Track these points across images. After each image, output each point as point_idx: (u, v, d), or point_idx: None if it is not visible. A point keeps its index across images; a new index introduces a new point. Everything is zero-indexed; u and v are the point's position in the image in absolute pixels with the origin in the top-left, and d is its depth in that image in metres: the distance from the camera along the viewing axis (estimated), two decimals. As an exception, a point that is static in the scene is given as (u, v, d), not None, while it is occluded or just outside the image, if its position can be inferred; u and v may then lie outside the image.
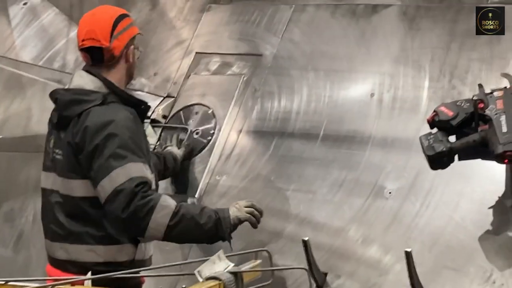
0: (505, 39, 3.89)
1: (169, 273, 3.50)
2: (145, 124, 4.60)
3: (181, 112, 4.74)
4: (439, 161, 3.41)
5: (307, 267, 3.48)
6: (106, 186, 3.40)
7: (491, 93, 3.46)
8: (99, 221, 3.51)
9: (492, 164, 3.44)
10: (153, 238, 3.53)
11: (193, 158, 4.51)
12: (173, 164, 4.30)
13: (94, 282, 2.82)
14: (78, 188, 3.52)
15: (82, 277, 2.84)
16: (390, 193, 3.85)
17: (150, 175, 3.49)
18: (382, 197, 3.86)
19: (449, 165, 3.43)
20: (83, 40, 3.64)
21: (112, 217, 3.43)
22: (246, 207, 3.66)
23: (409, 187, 3.81)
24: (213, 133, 4.55)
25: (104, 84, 3.61)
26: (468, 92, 3.81)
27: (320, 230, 3.90)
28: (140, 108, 3.70)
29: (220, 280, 2.87)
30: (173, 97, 4.86)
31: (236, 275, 3.00)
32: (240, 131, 4.49)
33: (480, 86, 3.54)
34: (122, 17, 3.66)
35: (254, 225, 3.68)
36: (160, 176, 4.12)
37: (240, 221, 3.62)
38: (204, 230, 3.50)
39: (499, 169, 3.56)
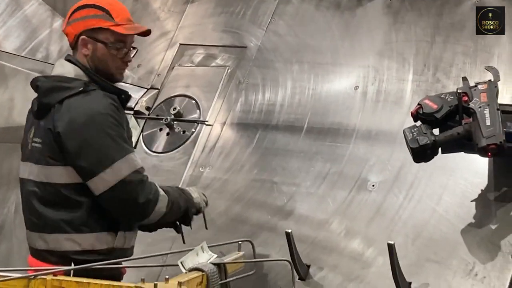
0: (489, 33, 3.90)
1: (151, 264, 3.49)
2: (128, 116, 4.58)
3: (165, 103, 4.72)
4: (422, 154, 3.41)
5: (290, 259, 3.48)
6: (108, 177, 3.41)
7: (475, 86, 3.47)
8: (78, 209, 3.49)
9: (475, 157, 3.45)
10: (148, 223, 3.58)
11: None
12: None
13: (74, 272, 2.80)
14: (59, 175, 3.50)
15: (64, 268, 2.83)
16: (373, 186, 3.85)
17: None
18: (365, 190, 3.86)
19: (432, 158, 3.44)
20: None
21: (125, 205, 3.46)
22: (200, 192, 3.78)
23: (392, 180, 3.82)
24: (197, 125, 4.54)
25: (84, 73, 3.59)
26: (452, 86, 3.82)
27: (303, 222, 3.90)
28: (121, 98, 3.68)
29: (203, 271, 2.86)
30: (157, 88, 4.85)
31: (219, 266, 2.99)
32: (224, 123, 4.49)
33: (464, 79, 3.55)
34: (86, 7, 3.63)
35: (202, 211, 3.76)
36: None
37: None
38: (180, 213, 3.62)
39: (482, 162, 3.58)
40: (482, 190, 3.59)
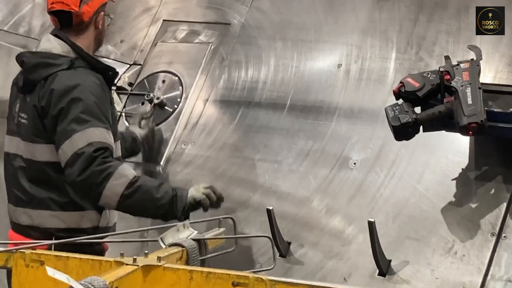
0: (472, 11, 3.89)
1: (132, 239, 3.49)
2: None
3: (148, 79, 4.71)
4: (404, 132, 3.41)
5: (270, 236, 3.48)
6: (67, 149, 3.37)
7: (458, 65, 3.47)
8: (63, 187, 3.49)
9: (457, 136, 3.46)
10: (107, 205, 3.49)
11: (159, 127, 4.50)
12: (131, 144, 4.17)
13: (56, 247, 2.80)
14: (42, 152, 3.50)
15: (45, 242, 2.82)
16: (355, 164, 3.86)
17: (111, 141, 3.46)
18: (347, 168, 3.87)
19: (413, 136, 3.44)
20: (52, 3, 3.59)
21: (69, 181, 3.40)
22: (204, 188, 3.60)
23: (374, 158, 3.83)
24: (180, 101, 4.53)
25: (72, 49, 3.58)
26: (435, 64, 3.82)
27: (284, 199, 3.91)
28: (108, 75, 3.67)
29: (183, 247, 2.86)
30: (140, 64, 4.83)
31: (200, 242, 2.99)
32: (207, 100, 4.48)
33: (447, 58, 3.55)
34: None
35: (206, 208, 3.57)
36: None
37: (195, 201, 3.53)
38: (158, 205, 3.45)
39: (464, 141, 3.59)
40: (463, 169, 3.60)
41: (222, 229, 3.40)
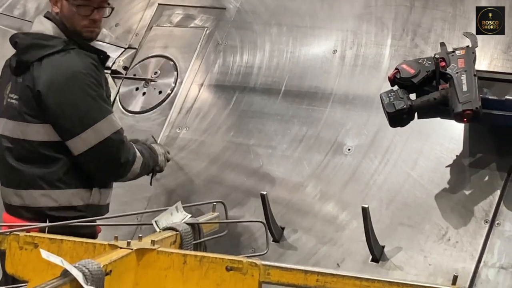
0: (468, -2, 3.90)
1: (126, 223, 3.50)
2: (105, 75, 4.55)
3: (142, 63, 4.70)
4: (399, 118, 3.41)
5: (264, 221, 3.49)
6: (90, 138, 3.44)
7: (453, 52, 3.46)
8: (54, 165, 3.49)
9: (451, 123, 3.46)
10: (123, 181, 3.70)
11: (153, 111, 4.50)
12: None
13: (49, 229, 2.80)
14: (37, 132, 3.49)
15: (38, 224, 2.82)
16: (349, 150, 3.86)
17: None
18: (341, 154, 3.87)
19: (408, 122, 3.44)
20: None
21: (106, 164, 3.53)
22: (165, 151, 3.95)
23: (368, 144, 3.83)
24: (174, 85, 4.52)
25: (62, 31, 3.57)
26: (431, 51, 3.82)
27: (278, 185, 3.91)
28: (99, 58, 3.66)
29: (177, 230, 2.86)
30: (135, 48, 4.82)
31: (193, 226, 3.00)
32: (202, 84, 4.47)
33: (442, 44, 3.55)
34: None
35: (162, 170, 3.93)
36: None
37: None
38: (148, 170, 3.80)
39: (458, 128, 3.59)
40: (457, 155, 3.60)
41: (216, 214, 3.41)
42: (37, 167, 3.50)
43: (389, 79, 3.49)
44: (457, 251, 3.38)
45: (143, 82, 4.56)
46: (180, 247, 2.81)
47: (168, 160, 3.97)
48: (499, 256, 3.31)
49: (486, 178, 3.50)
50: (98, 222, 3.46)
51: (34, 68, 3.48)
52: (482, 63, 3.67)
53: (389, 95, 3.42)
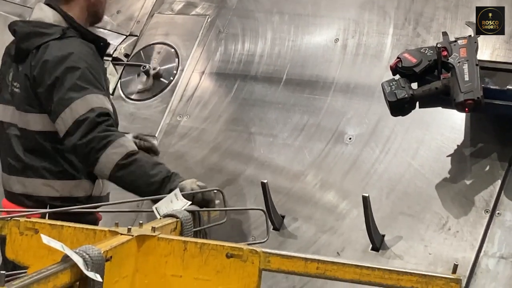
0: (471, -12, 3.89)
1: (126, 209, 3.49)
2: (106, 63, 4.55)
3: (144, 51, 4.69)
4: (400, 107, 3.41)
5: (265, 209, 3.48)
6: (67, 118, 3.36)
7: (455, 41, 3.46)
8: (56, 156, 3.49)
9: (453, 113, 3.46)
10: (101, 173, 3.43)
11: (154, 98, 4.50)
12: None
13: (50, 215, 2.80)
14: (35, 122, 3.49)
15: (39, 210, 2.82)
16: (350, 139, 3.86)
17: (111, 108, 3.46)
18: (342, 143, 3.87)
19: (410, 112, 3.44)
20: None
21: (69, 145, 3.39)
22: (196, 185, 3.39)
23: (369, 133, 3.83)
24: (175, 73, 4.52)
25: (63, 19, 3.56)
26: (433, 41, 3.81)
27: (279, 173, 3.91)
28: (99, 45, 3.65)
29: (177, 218, 2.86)
30: (136, 35, 4.81)
31: (194, 213, 2.99)
32: (203, 72, 4.47)
33: (445, 34, 3.55)
34: None
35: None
36: None
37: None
38: (149, 182, 3.36)
39: (459, 117, 3.59)
40: (458, 145, 3.60)
41: (216, 202, 3.40)
42: (40, 157, 3.50)
43: (391, 68, 3.49)
44: (457, 240, 3.38)
45: (145, 69, 4.55)
46: (181, 234, 2.81)
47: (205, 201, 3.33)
48: (499, 245, 3.32)
49: (487, 168, 3.50)
50: (98, 209, 3.46)
51: (32, 56, 3.48)
52: (484, 53, 3.66)
53: (391, 84, 3.42)
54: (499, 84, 3.44)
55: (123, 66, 4.68)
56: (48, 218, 2.78)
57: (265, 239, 3.06)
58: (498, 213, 3.39)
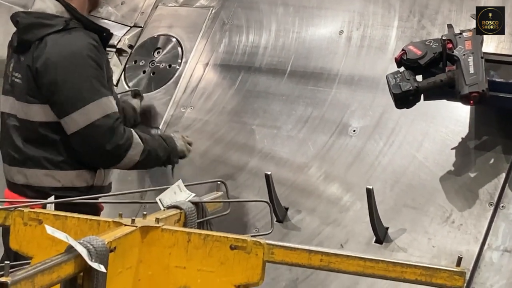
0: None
1: (130, 200, 3.50)
2: (110, 54, 4.55)
3: (148, 42, 4.69)
4: (405, 100, 3.40)
5: (269, 201, 3.48)
6: (79, 119, 3.41)
7: (460, 33, 3.45)
8: (57, 146, 3.49)
9: (457, 105, 3.45)
10: (120, 168, 3.70)
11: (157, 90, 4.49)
12: (133, 114, 4.25)
13: (51, 206, 2.80)
14: (37, 112, 3.49)
15: (41, 201, 2.82)
16: (354, 131, 3.85)
17: (116, 106, 3.50)
18: (346, 135, 3.86)
19: (414, 104, 3.43)
20: None
21: (91, 149, 3.48)
22: (185, 140, 3.91)
23: (373, 125, 3.82)
24: (179, 64, 4.51)
25: (66, 9, 3.55)
26: (437, 33, 3.80)
27: (283, 165, 3.90)
28: (102, 36, 3.64)
29: (181, 209, 2.86)
30: (140, 27, 4.80)
31: (197, 205, 2.99)
32: (207, 64, 4.46)
33: (450, 26, 3.53)
34: None
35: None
36: None
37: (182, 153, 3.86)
38: (160, 161, 3.74)
39: (464, 110, 3.58)
40: (462, 138, 3.59)
41: (220, 193, 3.39)
42: (41, 148, 3.50)
43: (396, 60, 3.48)
44: (461, 233, 3.38)
45: (149, 61, 4.54)
46: (184, 226, 2.81)
47: (190, 144, 3.92)
48: (503, 239, 3.31)
49: (492, 161, 3.49)
50: (101, 200, 3.46)
51: (35, 48, 3.48)
52: (489, 46, 3.65)
53: (396, 76, 3.41)
54: (504, 77, 3.43)
55: (127, 58, 4.66)
56: (51, 209, 2.78)
57: (270, 231, 3.05)
58: (502, 206, 3.38)
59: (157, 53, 4.62)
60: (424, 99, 3.45)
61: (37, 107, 3.49)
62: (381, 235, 3.46)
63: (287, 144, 3.97)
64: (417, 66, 3.42)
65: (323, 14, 4.28)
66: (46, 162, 3.49)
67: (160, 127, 4.32)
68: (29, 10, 3.65)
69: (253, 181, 3.90)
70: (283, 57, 4.26)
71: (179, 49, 4.58)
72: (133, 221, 2.43)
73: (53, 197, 2.88)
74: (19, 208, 2.49)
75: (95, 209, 3.52)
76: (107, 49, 3.85)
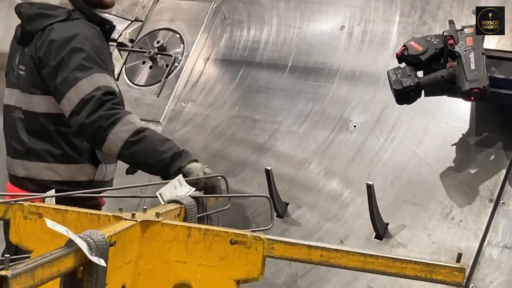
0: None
1: (130, 195, 3.49)
2: (111, 48, 4.54)
3: (149, 36, 4.68)
4: (405, 95, 3.40)
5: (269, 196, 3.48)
6: (73, 97, 3.37)
7: (462, 30, 3.45)
8: (59, 139, 3.49)
9: (458, 101, 3.45)
10: (110, 151, 3.41)
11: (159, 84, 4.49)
12: None
13: (52, 200, 2.80)
14: (40, 104, 3.49)
15: (43, 195, 2.82)
16: (355, 126, 3.85)
17: (116, 88, 3.47)
18: (347, 131, 3.86)
19: (415, 100, 3.43)
20: None
21: (76, 125, 3.38)
22: (205, 171, 3.43)
23: (374, 121, 3.81)
24: (181, 59, 4.51)
25: (69, 1, 3.56)
26: (439, 29, 3.80)
27: (283, 160, 3.90)
28: (105, 28, 3.65)
29: (181, 203, 2.86)
30: (141, 21, 4.80)
31: (198, 200, 2.99)
32: (208, 58, 4.46)
33: (451, 22, 3.53)
34: None
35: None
36: None
37: (189, 173, 3.38)
38: (159, 158, 3.37)
39: (465, 106, 3.58)
40: (463, 134, 3.59)
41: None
42: (43, 140, 3.51)
43: (397, 56, 3.48)
44: (461, 229, 3.38)
45: (150, 55, 4.54)
46: (184, 220, 2.81)
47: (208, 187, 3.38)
48: (503, 235, 3.31)
49: (492, 157, 3.49)
50: (102, 194, 3.46)
51: (38, 38, 3.48)
52: (491, 42, 3.64)
53: (397, 72, 3.41)
54: (505, 73, 3.43)
55: (128, 52, 4.66)
56: (51, 202, 2.78)
57: (270, 226, 3.05)
58: (502, 203, 3.38)
59: (158, 47, 4.61)
60: (425, 95, 3.45)
61: (40, 98, 3.50)
62: (381, 231, 3.46)
63: (288, 139, 3.97)
64: (418, 62, 3.42)
65: (324, 9, 4.27)
66: (47, 155, 3.50)
67: (161, 121, 4.31)
68: (33, 1, 3.65)
69: (253, 176, 3.90)
70: (284, 52, 4.25)
71: (180, 43, 4.57)
72: (133, 215, 2.43)
73: (53, 190, 2.88)
74: (19, 202, 2.49)
75: (96, 204, 3.52)
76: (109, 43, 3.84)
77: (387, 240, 3.46)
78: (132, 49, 4.69)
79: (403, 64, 3.45)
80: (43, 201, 2.79)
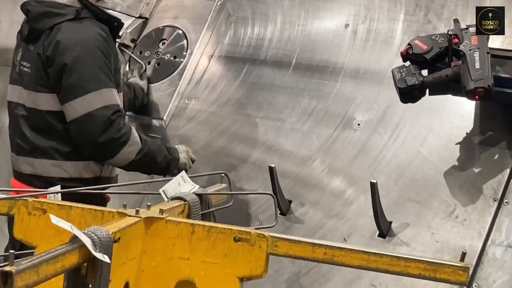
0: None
1: (134, 191, 3.50)
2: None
3: (153, 33, 4.67)
4: (410, 94, 3.40)
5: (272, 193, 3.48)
6: (78, 107, 3.40)
7: (466, 28, 3.44)
8: (65, 136, 3.49)
9: (462, 100, 3.45)
10: (114, 165, 3.63)
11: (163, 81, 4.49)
12: (142, 94, 4.32)
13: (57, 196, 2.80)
14: (45, 101, 3.49)
15: (48, 190, 2.82)
16: (359, 124, 3.85)
17: (120, 101, 3.49)
18: (350, 129, 3.86)
19: (419, 99, 3.43)
20: None
21: (84, 139, 3.46)
22: (188, 153, 3.84)
23: (378, 119, 3.81)
24: (184, 56, 4.50)
25: (77, -2, 3.56)
26: (443, 28, 3.79)
27: (287, 158, 3.90)
28: (113, 25, 3.65)
29: (185, 200, 2.86)
30: (146, 18, 4.78)
31: (201, 197, 2.99)
32: (212, 56, 4.45)
33: (456, 21, 3.53)
34: None
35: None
36: (131, 106, 4.14)
37: (184, 165, 3.77)
38: (157, 168, 3.68)
39: (469, 105, 3.58)
40: (467, 133, 3.59)
41: (224, 185, 3.39)
42: (49, 137, 3.51)
43: (402, 54, 3.48)
44: (464, 228, 3.38)
45: (154, 52, 4.54)
46: (188, 217, 2.81)
47: (193, 161, 3.85)
48: (507, 234, 3.31)
49: (496, 156, 3.49)
50: (107, 191, 3.47)
51: (45, 36, 3.48)
52: (495, 41, 3.63)
53: (401, 70, 3.41)
54: (510, 72, 3.42)
55: (131, 50, 4.65)
56: (55, 198, 2.78)
57: (274, 224, 3.05)
58: (506, 202, 3.38)
59: (162, 44, 4.61)
60: (429, 94, 3.45)
61: (46, 96, 3.49)
62: (384, 229, 3.46)
63: (291, 137, 3.97)
64: (422, 60, 3.42)
65: (329, 7, 4.27)
66: (54, 152, 3.50)
67: (165, 118, 4.31)
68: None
69: (257, 173, 3.90)
70: (288, 49, 4.25)
71: (185, 40, 4.57)
72: (137, 212, 2.43)
73: (58, 186, 2.88)
74: (24, 198, 2.49)
75: (101, 200, 3.52)
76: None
77: (390, 239, 3.46)
78: (132, 53, 4.65)
79: (407, 63, 3.45)
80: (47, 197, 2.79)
